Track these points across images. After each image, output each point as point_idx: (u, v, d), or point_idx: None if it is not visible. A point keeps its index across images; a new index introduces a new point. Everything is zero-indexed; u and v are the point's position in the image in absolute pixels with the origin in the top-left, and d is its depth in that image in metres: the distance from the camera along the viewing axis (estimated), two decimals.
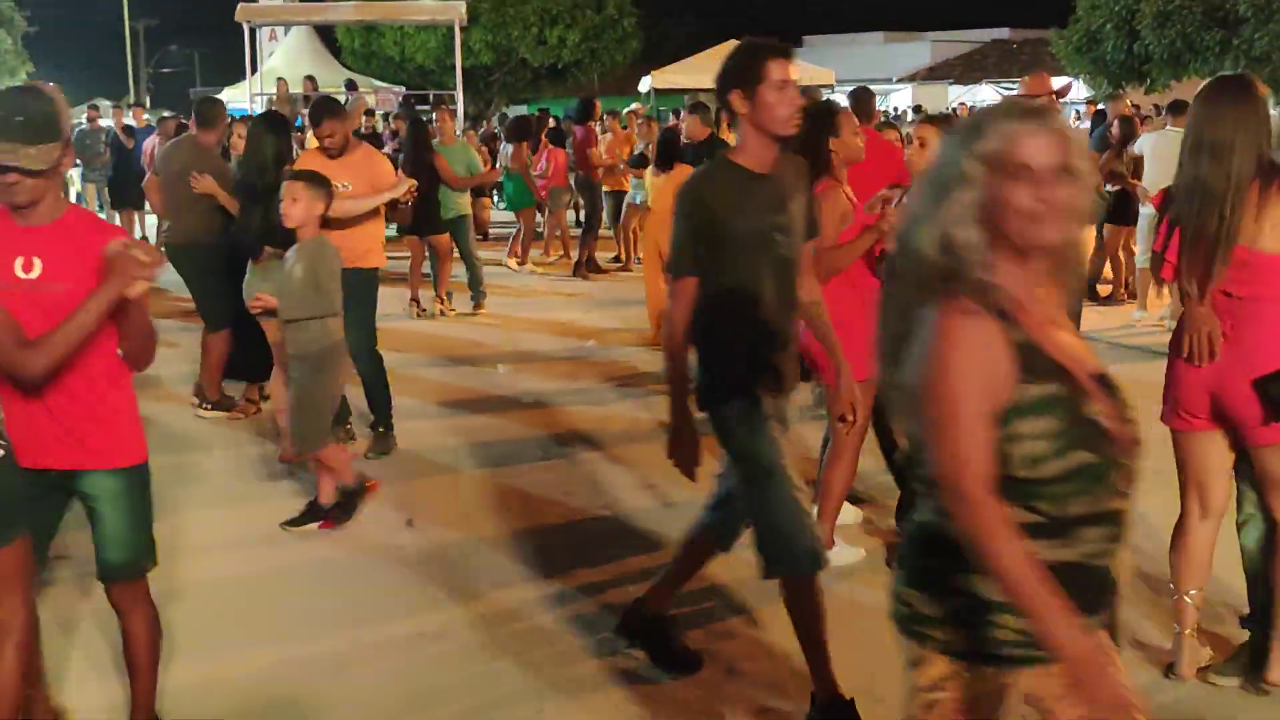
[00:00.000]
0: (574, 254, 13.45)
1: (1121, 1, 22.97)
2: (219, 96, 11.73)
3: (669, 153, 9.39)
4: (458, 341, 9.56)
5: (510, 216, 14.81)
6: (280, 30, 27.03)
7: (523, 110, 23.17)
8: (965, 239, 2.02)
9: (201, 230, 7.11)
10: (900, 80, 33.87)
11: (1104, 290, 10.80)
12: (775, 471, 3.50)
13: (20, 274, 3.02)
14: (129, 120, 17.19)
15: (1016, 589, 1.96)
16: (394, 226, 10.15)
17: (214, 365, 7.26)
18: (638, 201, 12.52)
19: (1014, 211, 2.00)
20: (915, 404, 2.07)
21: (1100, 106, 16.94)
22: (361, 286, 6.24)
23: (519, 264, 13.31)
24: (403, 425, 6.64)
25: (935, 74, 34.51)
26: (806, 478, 3.83)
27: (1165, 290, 8.43)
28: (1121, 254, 10.55)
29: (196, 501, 5.68)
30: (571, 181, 13.95)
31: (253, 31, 22.29)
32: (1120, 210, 9.87)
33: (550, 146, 14.13)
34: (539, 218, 14.02)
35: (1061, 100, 6.45)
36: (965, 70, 33.80)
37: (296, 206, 5.05)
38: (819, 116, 4.44)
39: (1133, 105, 14.21)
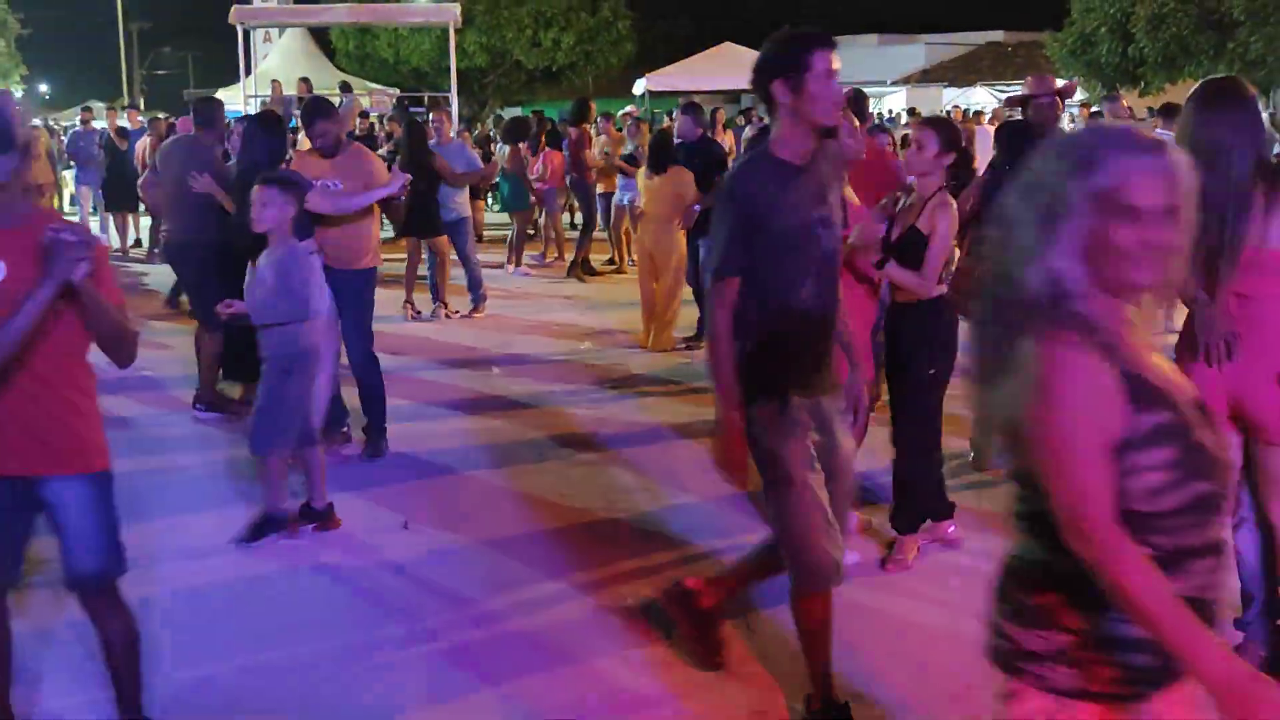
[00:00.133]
0: (569, 256, 13.46)
1: (1116, 4, 22.98)
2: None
3: (664, 155, 9.27)
4: (453, 344, 9.55)
5: (504, 219, 14.80)
6: (274, 32, 27.02)
7: (518, 113, 23.14)
8: (1071, 273, 1.97)
9: (200, 230, 7.11)
10: (895, 82, 33.83)
11: None
12: (795, 480, 3.41)
13: None
14: (123, 122, 17.16)
15: (1159, 622, 1.89)
16: (391, 228, 10.14)
17: (206, 365, 7.27)
18: (624, 203, 12.50)
19: (1114, 250, 1.96)
20: (1020, 440, 2.01)
21: (1095, 109, 16.95)
22: (358, 288, 6.25)
23: (515, 267, 13.33)
24: (397, 427, 6.64)
25: (930, 77, 34.50)
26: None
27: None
28: None
29: (188, 505, 5.66)
30: (567, 183, 13.97)
31: (247, 34, 22.28)
32: None
33: (548, 149, 14.13)
34: (538, 218, 13.97)
35: (1065, 100, 6.40)
36: (960, 73, 33.77)
37: (267, 211, 5.01)
38: None
39: (1126, 108, 14.21)
